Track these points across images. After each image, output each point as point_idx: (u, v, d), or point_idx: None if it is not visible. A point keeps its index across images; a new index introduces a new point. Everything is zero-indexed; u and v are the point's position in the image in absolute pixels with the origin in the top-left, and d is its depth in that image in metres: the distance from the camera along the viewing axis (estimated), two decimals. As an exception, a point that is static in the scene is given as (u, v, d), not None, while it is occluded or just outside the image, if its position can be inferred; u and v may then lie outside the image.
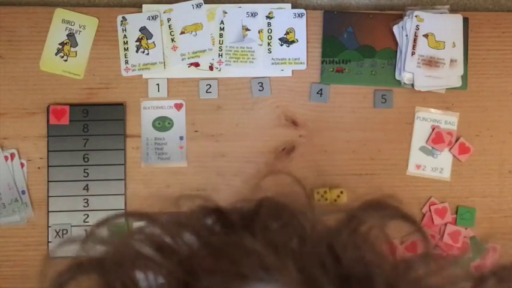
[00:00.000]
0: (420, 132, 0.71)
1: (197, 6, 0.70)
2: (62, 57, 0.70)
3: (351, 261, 0.28)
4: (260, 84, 0.71)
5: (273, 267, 0.26)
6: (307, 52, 0.71)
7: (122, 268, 0.29)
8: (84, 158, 0.69)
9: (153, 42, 0.70)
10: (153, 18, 0.70)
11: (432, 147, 0.71)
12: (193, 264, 0.28)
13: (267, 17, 0.70)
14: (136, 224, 0.70)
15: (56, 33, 0.70)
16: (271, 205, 0.31)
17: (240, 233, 0.29)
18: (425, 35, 0.69)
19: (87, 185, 0.69)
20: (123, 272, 0.29)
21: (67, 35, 0.70)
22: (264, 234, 0.29)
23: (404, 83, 0.71)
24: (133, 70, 0.70)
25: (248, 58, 0.70)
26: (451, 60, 0.70)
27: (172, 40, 0.70)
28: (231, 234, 0.30)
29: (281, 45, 0.71)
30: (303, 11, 0.71)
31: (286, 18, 0.71)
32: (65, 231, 0.69)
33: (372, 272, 0.28)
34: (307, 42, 0.71)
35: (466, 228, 0.71)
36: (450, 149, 0.71)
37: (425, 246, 0.33)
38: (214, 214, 0.32)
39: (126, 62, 0.70)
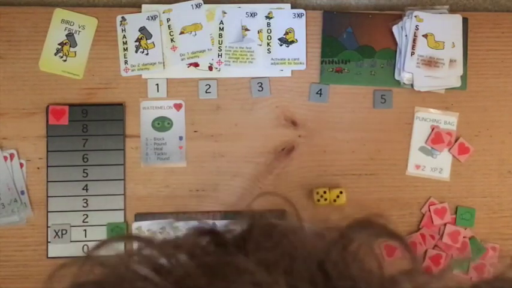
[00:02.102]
0: (420, 132, 0.71)
1: (196, 6, 0.70)
2: (61, 57, 0.70)
3: (341, 278, 0.29)
4: (259, 84, 0.70)
5: (264, 284, 0.27)
6: (306, 52, 0.71)
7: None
8: (83, 158, 0.69)
9: (153, 42, 0.70)
10: (152, 18, 0.70)
11: (432, 148, 0.71)
12: (188, 284, 0.29)
13: (267, 17, 0.70)
14: (136, 225, 0.70)
15: (55, 34, 0.70)
16: (263, 225, 0.33)
17: (233, 253, 0.31)
18: (425, 35, 0.69)
19: (86, 185, 0.69)
20: None
21: (66, 35, 0.70)
22: (256, 253, 0.30)
23: (403, 83, 0.71)
24: (132, 70, 0.70)
25: (247, 58, 0.70)
26: (451, 61, 0.70)
27: (172, 40, 0.70)
28: (224, 254, 0.32)
29: (280, 45, 0.71)
30: (302, 11, 0.71)
31: (286, 18, 0.71)
32: (64, 232, 0.69)
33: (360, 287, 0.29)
34: (307, 43, 0.71)
35: (465, 228, 0.71)
36: (450, 149, 0.71)
37: (412, 263, 0.34)
38: (209, 235, 0.33)
39: (126, 62, 0.70)
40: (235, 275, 0.28)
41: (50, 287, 0.32)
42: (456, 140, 0.71)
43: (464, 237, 0.70)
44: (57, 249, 0.69)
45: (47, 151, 0.69)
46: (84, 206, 0.69)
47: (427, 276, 0.32)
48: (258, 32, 0.71)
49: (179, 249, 0.31)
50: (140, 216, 0.69)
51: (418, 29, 0.69)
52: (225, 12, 0.70)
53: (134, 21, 0.70)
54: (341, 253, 0.31)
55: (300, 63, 0.71)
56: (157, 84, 0.70)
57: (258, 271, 0.28)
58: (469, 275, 0.71)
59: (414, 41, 0.69)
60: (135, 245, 0.33)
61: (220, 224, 0.34)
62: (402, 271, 0.32)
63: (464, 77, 0.71)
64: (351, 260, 0.31)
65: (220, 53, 0.70)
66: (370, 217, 0.34)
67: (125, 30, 0.70)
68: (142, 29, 0.70)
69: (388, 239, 0.34)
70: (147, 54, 0.70)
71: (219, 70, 0.71)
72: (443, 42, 0.69)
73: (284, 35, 0.71)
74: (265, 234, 0.31)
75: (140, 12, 0.70)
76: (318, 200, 0.68)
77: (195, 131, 0.71)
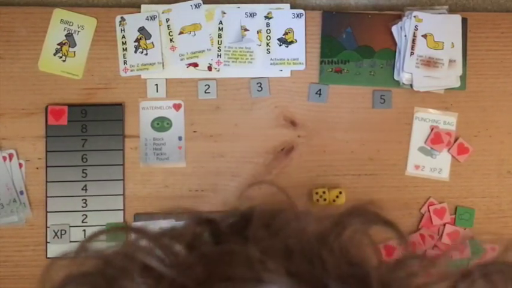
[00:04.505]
0: (419, 132, 0.71)
1: (196, 6, 0.70)
2: (61, 57, 0.70)
3: (337, 264, 0.30)
4: (259, 84, 0.70)
5: (264, 271, 0.28)
6: (306, 52, 0.71)
7: (122, 279, 0.29)
8: (82, 159, 0.69)
9: (152, 42, 0.70)
10: (151, 18, 0.70)
11: (431, 148, 0.71)
12: (189, 274, 0.29)
13: (266, 17, 0.70)
14: (135, 226, 0.70)
15: (55, 34, 0.70)
16: (261, 214, 0.33)
17: (231, 242, 0.31)
18: (424, 36, 0.69)
19: (85, 186, 0.69)
20: (122, 283, 0.29)
21: (65, 35, 0.70)
22: (255, 242, 0.30)
23: (403, 83, 0.71)
24: (132, 70, 0.70)
25: (247, 58, 0.70)
26: (450, 61, 0.70)
27: (171, 40, 0.70)
28: (222, 243, 0.32)
29: (280, 45, 0.71)
30: (301, 11, 0.71)
31: (285, 18, 0.71)
32: (63, 232, 0.69)
33: (367, 271, 0.30)
34: (306, 43, 0.71)
35: (464, 229, 0.71)
36: (449, 149, 0.71)
37: (406, 249, 0.35)
38: (206, 225, 0.34)
39: (125, 62, 0.70)
40: (233, 262, 0.29)
41: (48, 279, 0.32)
42: (455, 140, 0.71)
43: (463, 237, 0.70)
44: (56, 250, 0.68)
45: (46, 151, 0.69)
46: (83, 206, 0.69)
47: (422, 261, 0.32)
48: (258, 32, 0.71)
49: (176, 239, 0.31)
50: (139, 217, 0.69)
51: (417, 29, 0.69)
52: (224, 13, 0.70)
53: (133, 21, 0.70)
54: (336, 240, 0.31)
55: (299, 63, 0.71)
56: (156, 85, 0.70)
57: (257, 258, 0.28)
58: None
59: (413, 41, 0.69)
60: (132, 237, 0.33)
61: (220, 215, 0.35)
62: (401, 256, 0.32)
63: (463, 77, 0.71)
64: (346, 247, 0.31)
65: (219, 53, 0.70)
66: (363, 204, 0.35)
67: (124, 30, 0.70)
68: (141, 29, 0.70)
69: (381, 226, 0.35)
70: (147, 54, 0.70)
71: (219, 70, 0.70)
72: (443, 43, 0.69)
73: (283, 35, 0.71)
74: (264, 223, 0.32)
75: (139, 12, 0.70)
76: (317, 200, 0.68)
77: (194, 131, 0.71)
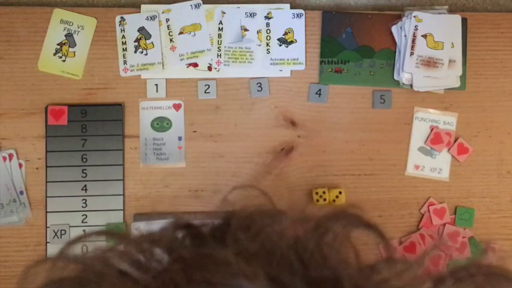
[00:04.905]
0: (419, 132, 0.71)
1: (196, 6, 0.70)
2: (60, 57, 0.70)
3: (318, 267, 0.30)
4: (259, 84, 0.70)
5: (244, 275, 0.28)
6: (305, 52, 0.71)
7: (99, 285, 0.29)
8: (82, 159, 0.69)
9: (152, 42, 0.70)
10: (151, 18, 0.70)
11: (431, 148, 0.71)
12: (168, 278, 0.29)
13: (266, 17, 0.70)
14: (134, 226, 0.70)
15: (54, 34, 0.70)
16: (240, 217, 0.33)
17: (211, 245, 0.31)
18: (424, 36, 0.69)
19: (85, 186, 0.69)
20: None
21: (65, 35, 0.70)
22: (235, 246, 0.30)
23: (403, 83, 0.71)
24: (131, 70, 0.70)
25: (247, 58, 0.70)
26: (450, 61, 0.70)
27: (171, 40, 0.70)
28: (202, 246, 0.32)
29: (280, 45, 0.71)
30: (301, 11, 0.71)
31: (285, 18, 0.71)
32: (63, 232, 0.69)
33: (341, 275, 0.30)
34: (306, 43, 0.71)
35: (464, 229, 0.71)
36: (449, 149, 0.71)
37: (388, 251, 0.34)
38: (185, 229, 0.33)
39: (125, 63, 0.70)
40: (213, 267, 0.29)
41: (25, 286, 0.32)
42: (455, 140, 0.71)
43: (463, 237, 0.70)
44: (56, 250, 0.68)
45: (46, 151, 0.69)
46: (83, 206, 0.69)
47: (404, 263, 0.32)
48: (257, 32, 0.70)
49: (156, 243, 0.31)
50: (139, 217, 0.69)
51: (417, 29, 0.69)
52: (224, 13, 0.70)
53: (133, 21, 0.70)
54: (317, 243, 0.31)
55: (299, 63, 0.71)
56: (156, 85, 0.70)
57: (236, 262, 0.28)
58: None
59: (413, 41, 0.69)
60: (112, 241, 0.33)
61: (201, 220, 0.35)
62: (379, 259, 0.32)
63: (463, 77, 0.71)
64: (327, 250, 0.31)
65: (219, 53, 0.70)
66: (345, 208, 0.35)
67: (124, 30, 0.70)
68: (141, 29, 0.70)
69: (363, 229, 0.34)
70: (146, 54, 0.70)
71: (218, 70, 0.70)
72: (443, 43, 0.69)
73: (283, 35, 0.71)
74: (243, 226, 0.32)
75: (139, 12, 0.70)
76: (317, 200, 0.68)
77: (194, 131, 0.71)
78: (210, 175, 0.70)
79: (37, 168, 0.69)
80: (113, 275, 0.29)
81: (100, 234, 0.36)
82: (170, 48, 0.70)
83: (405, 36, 0.70)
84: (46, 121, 0.69)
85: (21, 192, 0.69)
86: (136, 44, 0.70)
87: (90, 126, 0.69)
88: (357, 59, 0.71)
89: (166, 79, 0.70)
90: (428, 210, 0.71)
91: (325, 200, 0.68)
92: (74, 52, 0.70)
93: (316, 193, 0.68)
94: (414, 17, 0.69)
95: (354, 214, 0.35)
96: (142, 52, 0.70)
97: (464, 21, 0.71)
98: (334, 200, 0.68)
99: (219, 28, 0.70)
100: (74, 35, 0.70)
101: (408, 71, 0.69)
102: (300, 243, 0.31)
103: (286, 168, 0.71)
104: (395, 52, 0.71)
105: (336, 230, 0.33)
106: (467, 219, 0.71)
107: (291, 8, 0.71)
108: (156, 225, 0.66)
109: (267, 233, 0.32)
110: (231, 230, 0.31)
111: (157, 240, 0.32)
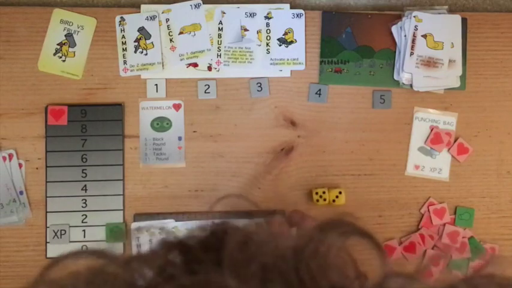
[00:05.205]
0: (419, 132, 0.71)
1: (195, 6, 0.70)
2: (60, 57, 0.70)
3: (315, 281, 0.29)
4: (259, 84, 0.70)
5: None
6: (305, 52, 0.71)
7: None
8: (82, 159, 0.69)
9: (152, 42, 0.70)
10: (151, 18, 0.70)
11: (431, 148, 0.71)
12: None
13: (266, 17, 0.70)
14: (135, 226, 0.70)
15: (54, 34, 0.70)
16: (237, 238, 0.32)
17: (205, 268, 0.30)
18: (424, 36, 0.69)
19: (85, 186, 0.69)
20: None
21: (65, 35, 0.70)
22: (231, 267, 0.29)
23: (402, 83, 0.71)
24: (131, 70, 0.70)
25: (247, 58, 0.70)
26: (450, 61, 0.70)
27: (171, 40, 0.70)
28: (193, 262, 0.31)
29: (280, 45, 0.71)
30: (301, 11, 0.71)
31: (285, 18, 0.71)
32: (63, 232, 0.69)
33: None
34: (306, 43, 0.71)
35: (464, 229, 0.71)
36: (449, 149, 0.71)
37: (382, 261, 0.34)
38: (177, 248, 0.32)
39: (125, 63, 0.70)
40: None
41: None
42: (455, 140, 0.71)
43: (463, 237, 0.70)
44: (56, 250, 0.68)
45: (46, 151, 0.69)
46: (83, 207, 0.69)
47: (401, 277, 0.31)
48: (257, 32, 0.70)
49: (145, 264, 0.31)
50: (139, 217, 0.69)
51: (417, 29, 0.69)
52: (224, 13, 0.70)
53: (133, 21, 0.70)
54: (312, 256, 0.31)
55: (299, 63, 0.71)
56: (156, 85, 0.70)
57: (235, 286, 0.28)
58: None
59: (413, 41, 0.69)
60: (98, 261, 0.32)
61: (188, 230, 0.33)
62: (379, 278, 0.31)
63: (463, 77, 0.71)
64: (323, 262, 0.31)
65: (219, 53, 0.70)
66: (338, 217, 0.34)
67: (124, 30, 0.70)
68: (141, 29, 0.70)
69: (358, 238, 0.34)
70: (146, 54, 0.70)
71: (218, 70, 0.70)
72: (442, 43, 0.69)
73: (283, 35, 0.71)
74: (240, 247, 0.31)
75: (139, 12, 0.70)
76: (317, 201, 0.68)
77: (194, 131, 0.71)
78: (210, 175, 0.70)
79: (37, 168, 0.69)
80: None
81: (87, 254, 0.34)
82: (170, 48, 0.70)
83: (405, 36, 0.70)
84: (46, 121, 0.69)
85: (21, 192, 0.69)
86: (136, 44, 0.70)
87: (90, 126, 0.69)
88: (357, 59, 0.71)
89: (166, 79, 0.70)
90: (428, 210, 0.71)
91: (325, 200, 0.68)
92: (74, 52, 0.70)
93: (316, 193, 0.68)
94: (414, 17, 0.69)
95: (348, 222, 0.34)
96: (142, 52, 0.70)
97: (464, 21, 0.71)
98: (334, 200, 0.68)
99: (219, 28, 0.70)
100: (74, 35, 0.70)
101: (408, 71, 0.69)
102: (297, 256, 0.30)
103: (286, 168, 0.71)
104: (395, 52, 0.71)
105: (329, 240, 0.32)
106: (467, 219, 0.71)
107: (291, 8, 0.71)
108: (164, 224, 0.66)
109: (264, 250, 0.31)
110: (227, 250, 0.30)
111: (148, 261, 0.31)
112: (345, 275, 0.32)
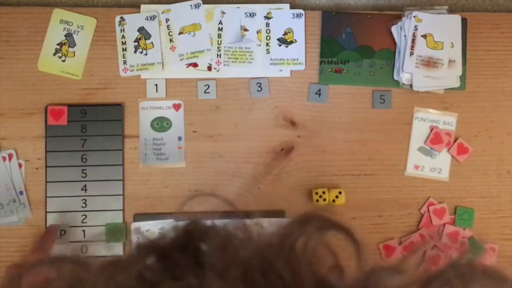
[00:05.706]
0: (419, 132, 0.71)
1: (195, 6, 0.70)
2: (60, 57, 0.70)
3: (294, 276, 0.29)
4: (258, 84, 0.70)
5: None
6: (305, 52, 0.71)
7: None
8: (82, 159, 0.69)
9: (152, 42, 0.70)
10: (151, 18, 0.70)
11: (431, 148, 0.71)
12: None
13: (266, 17, 0.70)
14: (135, 226, 0.70)
15: (54, 34, 0.70)
16: (218, 240, 0.32)
17: (186, 271, 0.30)
18: (424, 36, 0.69)
19: (85, 186, 0.69)
20: None
21: (65, 35, 0.70)
22: (213, 270, 0.29)
23: (402, 83, 0.71)
24: (131, 70, 0.70)
25: (246, 58, 0.70)
26: (450, 61, 0.70)
27: (171, 40, 0.70)
28: (168, 261, 0.31)
29: (279, 45, 0.71)
30: (301, 11, 0.71)
31: (285, 18, 0.71)
32: (63, 232, 0.69)
33: (320, 282, 0.29)
34: (306, 43, 0.71)
35: (464, 229, 0.71)
36: (449, 149, 0.71)
37: (358, 253, 0.34)
38: (153, 252, 0.32)
39: (125, 63, 0.70)
40: None
41: None
42: (455, 140, 0.71)
43: (463, 237, 0.70)
44: (56, 250, 0.68)
45: (46, 151, 0.69)
46: (83, 207, 0.69)
47: (378, 269, 0.32)
48: (257, 32, 0.70)
49: (120, 269, 0.30)
50: (139, 217, 0.69)
51: (417, 29, 0.69)
52: (224, 13, 0.70)
53: (133, 21, 0.70)
54: (289, 252, 0.31)
55: (299, 63, 0.71)
56: (156, 85, 0.70)
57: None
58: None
59: (413, 41, 0.69)
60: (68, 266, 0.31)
61: (160, 232, 0.33)
62: (367, 270, 0.31)
63: (463, 77, 0.71)
64: (302, 257, 0.31)
65: (219, 53, 0.70)
66: (313, 211, 0.34)
67: (123, 30, 0.70)
68: (141, 29, 0.70)
69: (334, 231, 0.34)
70: (146, 54, 0.70)
71: (218, 70, 0.70)
72: (442, 43, 0.69)
73: (283, 35, 0.71)
74: (220, 249, 0.31)
75: (139, 12, 0.70)
76: (317, 201, 0.68)
77: (194, 131, 0.71)
78: (210, 175, 0.70)
79: (37, 168, 0.69)
80: None
81: (63, 260, 0.34)
82: (170, 48, 0.70)
83: (405, 36, 0.70)
84: (46, 121, 0.69)
85: (21, 192, 0.69)
86: (136, 44, 0.70)
87: (90, 126, 0.69)
88: (357, 59, 0.71)
89: (166, 79, 0.70)
90: (428, 210, 0.71)
91: (325, 200, 0.68)
92: (74, 52, 0.70)
93: (316, 193, 0.68)
94: (414, 17, 0.69)
95: (323, 216, 0.34)
96: (142, 52, 0.70)
97: (464, 21, 0.71)
98: (334, 200, 0.68)
99: (218, 28, 0.70)
100: (74, 35, 0.70)
101: (408, 71, 0.69)
102: (275, 252, 0.30)
103: (286, 168, 0.71)
104: (395, 52, 0.71)
105: (305, 235, 0.32)
106: (467, 219, 0.71)
107: (291, 8, 0.71)
108: (164, 224, 0.66)
109: (244, 251, 0.31)
110: (209, 254, 0.30)
111: (124, 267, 0.31)
112: (325, 268, 0.32)
